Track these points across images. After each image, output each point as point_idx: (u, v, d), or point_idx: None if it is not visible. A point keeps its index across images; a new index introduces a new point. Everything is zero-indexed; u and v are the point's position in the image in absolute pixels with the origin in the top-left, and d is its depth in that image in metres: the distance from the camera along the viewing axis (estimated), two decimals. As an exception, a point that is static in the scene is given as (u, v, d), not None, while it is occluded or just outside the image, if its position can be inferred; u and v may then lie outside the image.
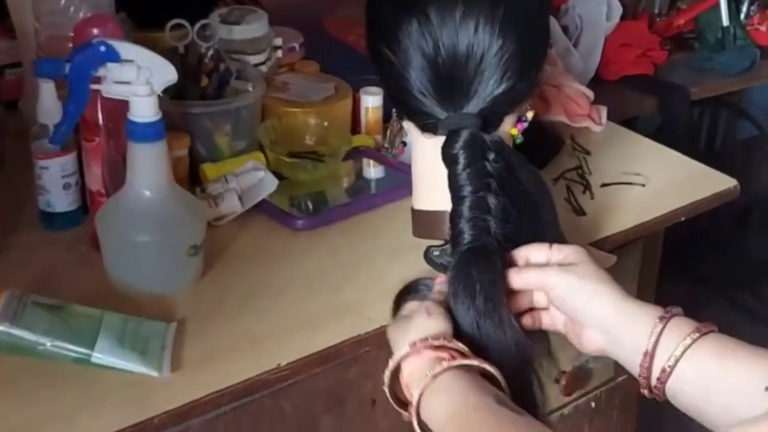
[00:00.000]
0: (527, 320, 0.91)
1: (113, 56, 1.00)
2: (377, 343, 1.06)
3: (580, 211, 1.28)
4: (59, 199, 1.15)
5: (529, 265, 0.90)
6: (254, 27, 1.36)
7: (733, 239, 2.54)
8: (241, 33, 1.34)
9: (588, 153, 1.43)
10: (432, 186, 0.99)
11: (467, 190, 0.89)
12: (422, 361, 0.82)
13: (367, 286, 1.11)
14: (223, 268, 1.12)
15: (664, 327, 0.81)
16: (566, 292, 0.86)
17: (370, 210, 1.26)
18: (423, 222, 1.04)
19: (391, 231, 1.20)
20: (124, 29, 1.12)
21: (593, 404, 1.41)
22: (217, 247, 1.14)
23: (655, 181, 1.37)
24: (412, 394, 0.81)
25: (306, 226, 1.20)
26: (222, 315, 1.04)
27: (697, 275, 2.40)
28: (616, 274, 1.26)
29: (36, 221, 1.18)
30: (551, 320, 0.91)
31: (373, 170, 1.37)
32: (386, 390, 0.86)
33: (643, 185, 1.36)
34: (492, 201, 0.89)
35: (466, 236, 0.89)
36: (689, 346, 0.80)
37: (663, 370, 0.80)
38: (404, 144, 1.37)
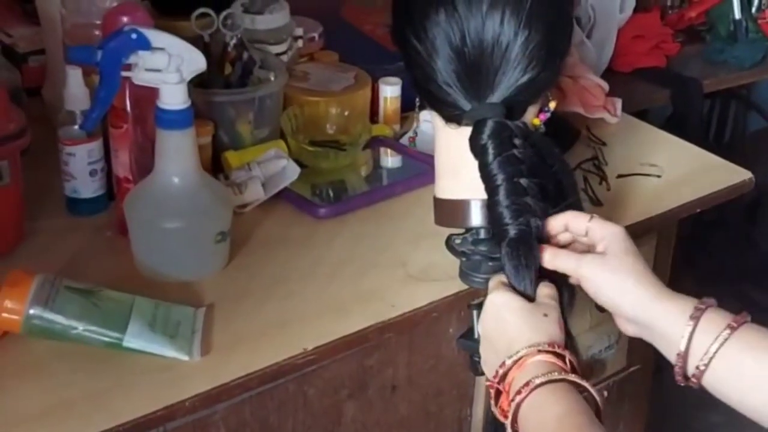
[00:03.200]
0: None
1: (144, 44, 1.01)
2: (399, 330, 1.08)
3: (596, 202, 1.30)
4: (85, 185, 1.16)
5: (563, 244, 0.92)
6: (276, 17, 1.37)
7: (742, 232, 2.55)
8: (264, 23, 1.36)
9: (603, 144, 1.45)
10: (454, 175, 1.00)
11: (501, 178, 0.91)
12: (534, 363, 0.83)
13: (388, 273, 1.12)
14: (248, 255, 1.13)
15: (695, 326, 0.82)
16: (598, 287, 0.87)
17: (389, 198, 1.28)
18: (445, 210, 1.04)
19: (411, 219, 1.22)
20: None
21: (605, 393, 1.42)
22: (242, 234, 1.15)
23: (671, 172, 1.38)
24: (516, 390, 0.82)
25: (328, 213, 1.22)
26: (249, 300, 1.06)
27: (706, 268, 2.41)
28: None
29: (61, 207, 1.19)
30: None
31: (390, 159, 1.38)
32: (493, 384, 0.86)
33: (659, 176, 1.37)
34: (525, 182, 0.91)
35: (507, 220, 0.90)
36: (722, 344, 0.81)
37: (697, 368, 0.82)
38: (416, 133, 1.38)
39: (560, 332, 0.86)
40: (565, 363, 0.83)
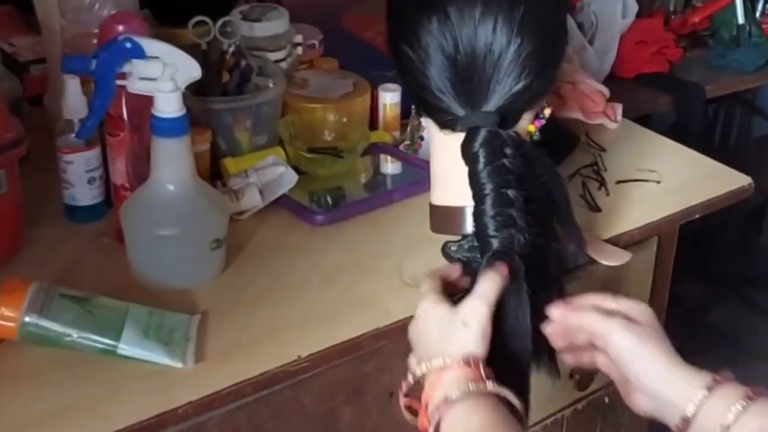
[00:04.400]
0: (584, 357, 0.93)
1: (138, 53, 1.02)
2: (395, 337, 1.08)
3: (595, 208, 1.30)
4: (83, 193, 1.17)
5: (593, 306, 0.90)
6: (275, 24, 1.37)
7: (746, 237, 2.54)
8: (262, 30, 1.36)
9: (603, 150, 1.44)
10: (450, 182, 1.00)
11: (489, 187, 0.91)
12: (450, 378, 0.82)
13: (385, 280, 1.12)
14: (244, 262, 1.14)
15: (710, 393, 0.81)
16: (625, 355, 0.86)
17: (387, 205, 1.28)
18: (441, 217, 1.04)
19: (409, 226, 1.22)
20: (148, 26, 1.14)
21: (607, 399, 1.42)
22: (238, 241, 1.16)
23: (670, 178, 1.38)
24: (435, 407, 0.82)
25: (325, 220, 1.22)
26: (244, 308, 1.06)
27: (710, 274, 2.41)
28: (631, 271, 1.28)
29: (60, 214, 1.20)
30: (606, 366, 0.91)
31: (390, 166, 1.39)
32: (401, 398, 0.86)
33: (658, 182, 1.37)
34: (513, 194, 0.91)
35: (491, 231, 0.90)
36: (739, 414, 0.79)
37: None
38: (422, 138, 1.38)
39: (479, 342, 0.84)
40: (480, 374, 0.82)
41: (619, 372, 0.89)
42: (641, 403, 0.88)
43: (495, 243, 0.90)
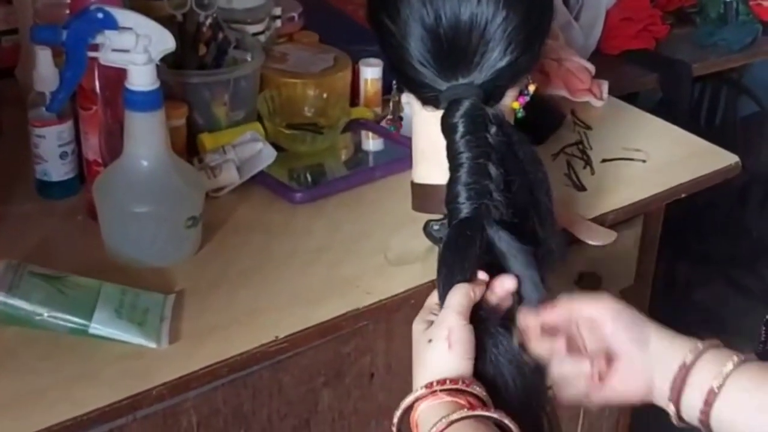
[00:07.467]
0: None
1: (111, 23, 0.99)
2: (375, 317, 1.06)
3: (580, 187, 1.28)
4: (56, 168, 1.14)
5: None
6: (253, -4, 1.35)
7: (733, 217, 2.54)
8: (240, 2, 1.33)
9: (589, 128, 1.43)
10: (432, 160, 0.97)
11: (465, 156, 0.87)
12: (438, 404, 0.76)
13: (366, 260, 1.10)
14: (221, 240, 1.11)
15: (703, 351, 0.78)
16: (624, 319, 0.81)
17: (368, 183, 1.25)
18: (423, 196, 1.03)
19: (390, 204, 1.20)
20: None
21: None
22: (215, 219, 1.13)
23: (656, 157, 1.36)
24: None
25: (304, 198, 1.19)
26: (220, 287, 1.04)
27: (697, 253, 2.40)
28: (617, 250, 1.27)
29: (32, 190, 1.17)
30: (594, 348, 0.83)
31: (371, 143, 1.36)
32: (394, 429, 0.79)
33: (644, 161, 1.35)
34: (492, 169, 0.86)
35: (462, 199, 0.86)
36: (730, 373, 0.76)
37: (710, 391, 0.76)
38: (401, 119, 1.35)
39: (448, 358, 0.77)
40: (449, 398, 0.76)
41: (604, 354, 0.81)
42: (630, 381, 0.81)
43: (464, 210, 0.85)
